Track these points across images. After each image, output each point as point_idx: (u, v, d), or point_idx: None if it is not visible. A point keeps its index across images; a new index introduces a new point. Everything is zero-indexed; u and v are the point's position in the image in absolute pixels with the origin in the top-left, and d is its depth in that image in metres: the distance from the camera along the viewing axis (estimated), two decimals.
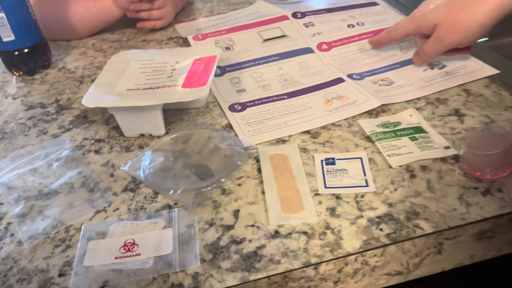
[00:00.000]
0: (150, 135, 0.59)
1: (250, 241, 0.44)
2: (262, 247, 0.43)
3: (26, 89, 0.73)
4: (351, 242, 0.43)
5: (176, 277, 0.42)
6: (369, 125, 0.56)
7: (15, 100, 0.71)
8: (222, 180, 0.50)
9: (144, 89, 0.60)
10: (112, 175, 0.54)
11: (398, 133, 0.54)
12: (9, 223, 0.49)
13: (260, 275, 0.41)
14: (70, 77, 0.75)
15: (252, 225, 0.45)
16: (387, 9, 0.82)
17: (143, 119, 0.57)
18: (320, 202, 0.47)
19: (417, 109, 0.59)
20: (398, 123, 0.56)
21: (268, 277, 0.41)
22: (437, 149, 0.51)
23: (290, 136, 0.57)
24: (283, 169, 0.51)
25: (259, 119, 0.60)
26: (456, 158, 0.50)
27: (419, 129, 0.54)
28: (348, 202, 0.47)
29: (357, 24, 0.78)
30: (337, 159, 0.52)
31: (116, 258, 0.43)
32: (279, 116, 0.60)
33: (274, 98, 0.64)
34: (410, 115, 0.57)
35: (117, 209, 0.49)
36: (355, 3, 0.84)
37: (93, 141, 0.60)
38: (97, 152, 0.58)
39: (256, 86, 0.67)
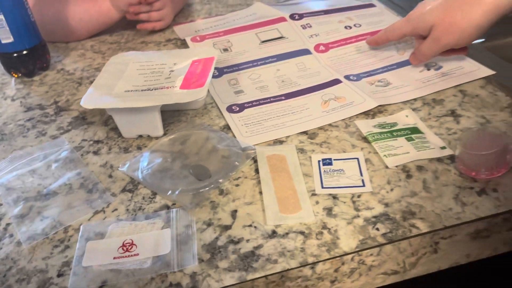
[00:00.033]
0: (149, 136, 0.60)
1: (247, 241, 0.44)
2: (259, 247, 0.44)
3: (25, 91, 0.74)
4: (348, 241, 0.43)
5: (174, 276, 0.42)
6: (366, 126, 0.56)
7: (14, 101, 0.71)
8: (220, 180, 0.51)
9: (142, 90, 0.60)
10: (110, 176, 0.54)
11: (394, 133, 0.54)
12: (8, 224, 0.49)
13: (257, 275, 0.41)
14: (68, 79, 0.76)
15: (250, 225, 0.46)
16: (384, 10, 0.83)
17: (141, 120, 0.58)
18: (317, 202, 0.47)
19: (414, 109, 0.59)
20: (394, 124, 0.56)
21: (266, 276, 0.41)
22: (433, 149, 0.52)
23: (287, 137, 0.57)
24: (281, 170, 0.52)
25: (257, 120, 0.60)
26: (452, 158, 0.51)
27: (415, 130, 0.55)
28: (344, 202, 0.47)
29: (354, 25, 0.79)
30: (334, 160, 0.52)
31: (114, 258, 0.44)
32: (277, 117, 0.60)
33: (271, 99, 0.64)
34: (407, 116, 0.58)
35: (116, 209, 0.50)
36: (352, 4, 0.85)
37: (91, 142, 0.60)
38: (95, 153, 0.58)
39: (253, 87, 0.67)
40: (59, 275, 0.43)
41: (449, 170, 0.49)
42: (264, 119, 0.60)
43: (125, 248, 0.44)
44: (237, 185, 0.51)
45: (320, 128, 0.58)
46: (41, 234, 0.47)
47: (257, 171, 0.52)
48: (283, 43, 0.76)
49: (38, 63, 0.77)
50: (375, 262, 0.44)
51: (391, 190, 0.48)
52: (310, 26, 0.79)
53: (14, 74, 0.77)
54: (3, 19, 0.69)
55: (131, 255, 0.44)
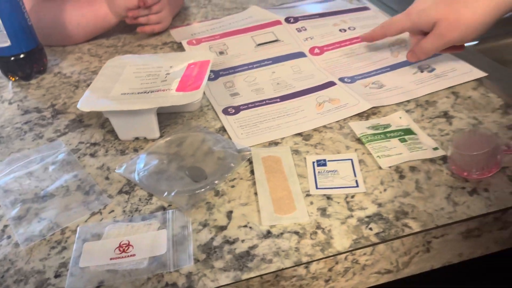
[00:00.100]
0: (145, 138, 0.60)
1: (242, 241, 0.45)
2: (254, 247, 0.44)
3: (22, 94, 0.74)
4: (341, 241, 0.44)
5: (170, 277, 0.42)
6: (360, 127, 0.57)
7: (11, 105, 0.72)
8: (216, 182, 0.51)
9: (138, 93, 0.61)
10: (107, 178, 0.55)
11: (388, 135, 0.55)
12: (5, 226, 0.50)
13: (252, 274, 0.42)
14: (65, 82, 0.76)
15: (245, 226, 0.46)
16: (378, 13, 0.84)
17: (137, 123, 0.58)
18: (311, 203, 0.48)
19: (407, 111, 0.60)
20: (388, 125, 0.57)
21: (260, 276, 0.42)
22: (426, 150, 0.53)
23: (282, 138, 0.58)
24: (276, 171, 0.52)
25: (252, 122, 0.61)
26: (444, 159, 0.51)
27: (408, 131, 0.56)
28: (338, 203, 0.48)
29: (349, 28, 0.79)
30: (328, 161, 0.53)
31: (111, 259, 0.44)
32: (272, 119, 0.61)
33: (267, 101, 0.65)
34: (400, 117, 0.58)
35: (112, 211, 0.50)
36: (347, 8, 0.86)
37: (88, 144, 0.61)
38: (92, 155, 0.59)
39: (249, 90, 0.68)
40: (56, 276, 0.44)
41: (441, 171, 0.50)
42: (260, 121, 0.61)
43: (121, 249, 0.45)
44: (232, 186, 0.51)
45: (315, 129, 0.58)
46: (38, 236, 0.48)
47: (252, 172, 0.53)
48: (279, 46, 0.77)
49: (35, 66, 0.77)
50: (368, 261, 0.44)
51: (384, 190, 0.49)
52: (305, 29, 0.80)
53: (11, 78, 0.77)
54: (0, 23, 0.70)
55: (128, 256, 0.44)
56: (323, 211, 0.47)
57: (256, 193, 0.50)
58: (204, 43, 0.80)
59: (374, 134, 0.55)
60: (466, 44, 0.63)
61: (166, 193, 0.50)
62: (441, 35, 0.59)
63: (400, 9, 0.85)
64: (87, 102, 0.59)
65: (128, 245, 0.45)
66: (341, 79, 0.67)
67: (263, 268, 0.42)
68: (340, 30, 0.79)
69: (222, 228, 0.46)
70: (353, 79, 0.67)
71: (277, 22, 0.82)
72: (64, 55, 0.84)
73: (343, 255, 0.43)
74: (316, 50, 0.75)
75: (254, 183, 0.51)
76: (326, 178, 0.51)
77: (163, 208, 0.50)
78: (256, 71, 0.72)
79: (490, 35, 0.75)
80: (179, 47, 0.82)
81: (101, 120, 0.65)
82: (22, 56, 0.74)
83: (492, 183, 0.48)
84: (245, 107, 0.64)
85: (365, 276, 0.45)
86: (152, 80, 0.64)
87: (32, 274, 0.44)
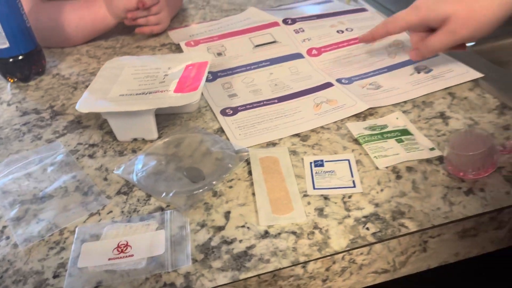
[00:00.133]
0: (143, 139, 0.60)
1: (240, 241, 0.45)
2: (252, 247, 0.44)
3: (20, 96, 0.74)
4: (339, 241, 0.44)
5: (168, 277, 0.43)
6: (357, 128, 0.57)
7: (10, 106, 0.72)
8: (214, 182, 0.52)
9: (137, 94, 0.61)
10: (105, 179, 0.55)
11: (384, 135, 0.55)
12: (4, 227, 0.50)
13: (250, 274, 0.42)
14: (64, 84, 0.76)
15: (243, 226, 0.47)
16: (376, 15, 0.84)
17: (136, 124, 0.59)
18: (308, 203, 0.48)
19: (404, 112, 0.60)
20: (385, 126, 0.57)
21: (258, 275, 0.42)
22: (423, 150, 0.53)
23: (280, 139, 0.58)
24: (273, 171, 0.53)
25: (250, 123, 0.61)
26: (440, 159, 0.52)
27: (405, 132, 0.56)
28: (335, 203, 0.48)
29: (346, 29, 0.80)
30: (326, 161, 0.53)
31: (109, 259, 0.44)
32: (270, 120, 0.61)
33: (265, 102, 0.65)
34: (397, 118, 0.59)
35: (111, 211, 0.50)
36: (344, 9, 0.86)
37: (87, 145, 0.61)
38: (91, 156, 0.59)
39: (247, 91, 0.68)
40: (55, 276, 0.44)
41: (438, 171, 0.50)
42: (258, 122, 0.61)
43: (120, 249, 0.45)
44: (230, 187, 0.51)
45: (312, 130, 0.59)
46: (37, 236, 0.48)
47: (250, 173, 0.53)
48: (276, 48, 0.77)
49: (33, 68, 0.77)
50: (365, 261, 0.44)
51: (381, 190, 0.49)
52: (303, 31, 0.80)
53: (9, 79, 0.77)
54: None
55: (126, 256, 0.45)
56: (320, 211, 0.47)
57: (253, 194, 0.50)
58: (202, 45, 0.80)
59: (371, 135, 0.56)
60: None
61: (164, 194, 0.51)
62: (452, 31, 0.56)
63: (397, 11, 0.85)
64: (85, 104, 0.59)
65: (127, 245, 0.46)
66: (339, 80, 0.68)
67: (261, 268, 0.42)
68: (337, 32, 0.79)
69: (220, 228, 0.47)
70: (350, 80, 0.68)
71: (275, 24, 0.82)
72: (63, 57, 0.85)
73: (340, 255, 0.43)
74: (314, 52, 0.76)
75: (252, 184, 0.51)
76: (323, 178, 0.51)
77: (161, 209, 0.50)
78: (254, 72, 0.72)
79: (487, 36, 0.76)
80: (177, 49, 0.82)
81: (100, 121, 0.65)
82: (20, 57, 0.75)
83: (488, 183, 0.48)
84: (243, 108, 0.64)
85: (362, 276, 0.46)
86: (150, 82, 0.64)
87: (31, 274, 0.44)
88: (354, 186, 0.50)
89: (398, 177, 0.50)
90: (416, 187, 0.49)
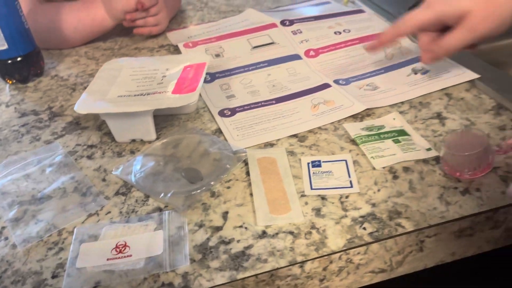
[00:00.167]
0: (142, 140, 0.61)
1: (238, 241, 0.45)
2: (249, 247, 0.45)
3: (19, 97, 0.75)
4: (336, 241, 0.44)
5: (166, 276, 0.43)
6: (354, 129, 0.58)
7: (9, 107, 0.72)
8: (212, 183, 0.52)
9: (135, 95, 0.61)
10: (104, 180, 0.55)
11: (381, 136, 0.56)
12: (3, 227, 0.50)
13: (247, 274, 0.42)
14: (62, 85, 0.77)
15: (240, 226, 0.47)
16: (373, 16, 0.85)
17: (134, 125, 0.59)
18: (306, 203, 0.49)
19: (401, 112, 0.60)
20: (382, 127, 0.58)
21: (256, 275, 0.42)
22: (419, 151, 0.53)
23: (278, 140, 0.58)
24: (271, 172, 0.53)
25: (248, 124, 0.61)
26: (437, 159, 0.52)
27: (402, 132, 0.56)
28: (333, 203, 0.48)
29: (344, 31, 0.80)
30: (323, 162, 0.54)
31: (108, 259, 0.45)
32: (268, 120, 0.62)
33: (262, 103, 0.65)
34: (394, 119, 0.59)
35: (109, 212, 0.51)
36: (342, 10, 0.87)
37: (85, 147, 0.61)
38: (89, 157, 0.59)
39: (245, 92, 0.68)
40: (53, 277, 0.44)
41: (434, 171, 0.51)
42: (255, 122, 0.61)
43: (118, 250, 0.45)
44: (228, 187, 0.52)
45: (310, 131, 0.59)
46: (35, 237, 0.48)
47: (248, 173, 0.53)
48: (274, 49, 0.77)
49: (32, 69, 0.78)
50: (362, 260, 0.45)
51: (378, 190, 0.49)
52: (301, 32, 0.81)
53: (8, 81, 0.78)
54: None
55: (124, 256, 0.45)
56: (317, 211, 0.48)
57: (251, 194, 0.50)
58: (200, 46, 0.80)
59: (368, 135, 0.56)
60: None
61: (162, 194, 0.51)
62: (472, 28, 0.52)
63: (395, 12, 0.86)
64: (84, 105, 0.59)
65: (125, 245, 0.46)
66: (336, 81, 0.68)
67: (258, 267, 0.43)
68: (335, 33, 0.80)
69: (218, 228, 0.47)
70: (347, 81, 0.68)
71: (273, 25, 0.83)
72: (61, 58, 0.85)
73: (337, 255, 0.43)
74: (311, 53, 0.76)
75: (249, 184, 0.52)
76: (320, 178, 0.51)
77: (160, 209, 0.50)
78: (252, 73, 0.72)
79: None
80: (176, 50, 0.82)
81: (98, 123, 0.66)
82: (19, 59, 0.75)
83: (484, 183, 0.48)
84: (241, 109, 0.64)
85: (359, 275, 0.46)
86: (149, 83, 0.64)
87: (30, 275, 0.44)
88: (351, 186, 0.50)
89: (395, 177, 0.51)
90: (413, 187, 0.49)
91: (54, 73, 0.80)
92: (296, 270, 0.43)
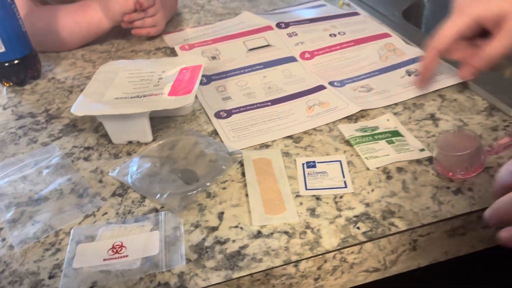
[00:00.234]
0: (138, 142, 0.61)
1: (233, 241, 0.46)
2: (245, 246, 0.45)
3: (16, 99, 0.75)
4: (330, 240, 0.45)
5: (162, 276, 0.43)
6: (349, 130, 0.58)
7: (6, 110, 0.73)
8: (207, 184, 0.52)
9: (131, 97, 0.62)
10: (100, 181, 0.56)
11: (375, 137, 0.56)
12: (0, 229, 0.50)
13: (243, 273, 0.43)
14: (59, 87, 0.77)
15: (236, 226, 0.47)
16: (367, 18, 0.86)
17: (131, 127, 0.59)
18: (301, 203, 0.49)
19: (395, 114, 0.61)
20: (376, 128, 0.58)
21: (251, 274, 0.43)
22: (413, 151, 0.54)
23: (273, 141, 0.59)
24: (266, 173, 0.53)
25: (244, 126, 0.62)
26: (430, 159, 0.53)
27: (395, 133, 0.57)
28: (327, 203, 0.49)
29: (339, 33, 0.81)
30: (318, 162, 0.54)
31: (104, 260, 0.45)
32: (263, 122, 0.62)
33: (258, 105, 0.66)
34: (388, 120, 0.60)
35: (106, 213, 0.51)
36: (337, 13, 0.87)
37: (82, 148, 0.62)
38: (86, 159, 0.60)
39: (241, 94, 0.69)
40: (50, 277, 0.44)
41: (427, 171, 0.51)
42: (251, 124, 0.62)
43: (114, 250, 0.46)
44: (224, 188, 0.52)
45: (305, 132, 0.60)
46: (32, 238, 0.49)
47: (243, 174, 0.54)
48: (270, 51, 0.78)
49: (29, 72, 0.78)
50: (356, 259, 0.45)
51: (372, 190, 0.50)
52: (296, 34, 0.81)
53: (5, 83, 0.78)
54: None
55: (121, 257, 0.45)
56: (312, 211, 0.48)
57: (247, 195, 0.51)
58: (196, 48, 0.81)
59: (363, 136, 0.57)
60: None
61: (158, 195, 0.51)
62: None
63: (390, 15, 0.87)
64: (80, 107, 0.60)
65: (121, 246, 0.46)
66: (331, 83, 0.69)
67: (254, 267, 0.43)
68: (330, 35, 0.81)
69: (214, 228, 0.47)
70: (342, 83, 0.69)
71: (269, 28, 0.83)
72: (58, 61, 0.85)
73: (332, 254, 0.44)
74: (307, 55, 0.77)
75: (245, 185, 0.52)
76: (315, 179, 0.52)
77: (156, 210, 0.50)
78: (248, 75, 0.73)
79: None
80: (172, 52, 0.83)
81: (95, 125, 0.66)
82: (16, 62, 0.75)
83: (476, 183, 0.49)
84: (236, 110, 0.65)
85: (354, 275, 0.46)
86: (145, 85, 0.65)
87: (27, 275, 0.45)
88: (346, 187, 0.50)
89: (389, 177, 0.51)
90: (406, 187, 0.50)
91: (51, 76, 0.81)
92: (290, 269, 0.44)
